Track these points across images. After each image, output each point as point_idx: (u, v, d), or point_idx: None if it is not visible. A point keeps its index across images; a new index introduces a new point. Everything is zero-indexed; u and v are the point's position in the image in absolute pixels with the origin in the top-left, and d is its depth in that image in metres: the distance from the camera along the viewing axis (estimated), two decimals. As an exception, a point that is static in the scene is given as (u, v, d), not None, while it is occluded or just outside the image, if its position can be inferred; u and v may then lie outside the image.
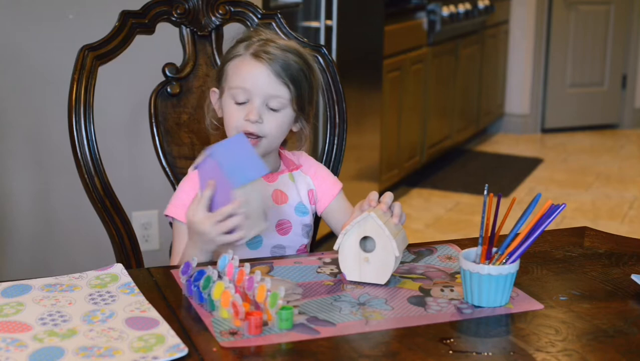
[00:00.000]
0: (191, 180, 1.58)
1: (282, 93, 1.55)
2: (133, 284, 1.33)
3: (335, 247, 1.39)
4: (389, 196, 1.45)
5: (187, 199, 1.54)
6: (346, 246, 1.38)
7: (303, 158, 1.69)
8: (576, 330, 1.22)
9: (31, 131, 2.68)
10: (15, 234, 2.71)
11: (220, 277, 1.30)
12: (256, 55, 1.54)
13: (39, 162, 2.72)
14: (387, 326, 1.23)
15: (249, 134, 1.54)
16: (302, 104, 1.59)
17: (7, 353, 1.09)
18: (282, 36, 1.82)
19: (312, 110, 1.63)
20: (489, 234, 1.31)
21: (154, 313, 1.22)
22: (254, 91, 1.54)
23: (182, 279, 1.32)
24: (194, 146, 1.79)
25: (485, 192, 1.29)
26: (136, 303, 1.26)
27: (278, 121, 1.56)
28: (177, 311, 1.26)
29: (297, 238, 1.63)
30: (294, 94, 1.56)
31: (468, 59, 5.26)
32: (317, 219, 1.73)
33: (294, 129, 1.63)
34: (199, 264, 1.38)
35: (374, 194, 1.45)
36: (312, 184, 1.66)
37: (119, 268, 1.38)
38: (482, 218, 1.31)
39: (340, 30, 3.53)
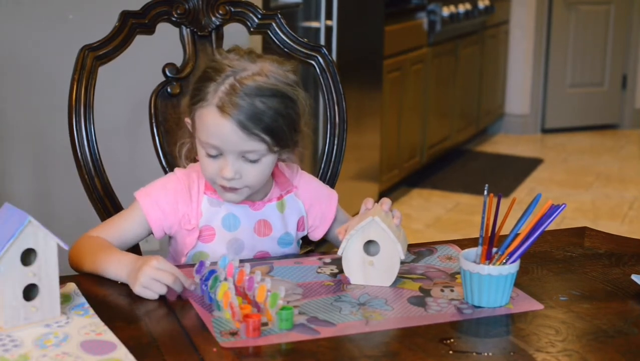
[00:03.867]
0: (175, 182, 1.52)
1: (255, 147, 1.41)
2: (87, 305, 1.26)
3: (339, 253, 1.39)
4: (387, 201, 1.45)
5: (163, 199, 1.50)
6: (350, 251, 1.38)
7: (298, 177, 1.59)
8: (576, 330, 1.22)
9: (31, 131, 2.68)
10: (15, 234, 2.71)
11: (227, 278, 1.30)
12: (222, 109, 1.39)
13: (39, 162, 2.72)
14: (387, 327, 1.23)
15: (228, 189, 1.45)
16: (284, 143, 1.44)
17: None
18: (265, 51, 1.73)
19: (298, 136, 1.49)
20: (489, 235, 1.31)
21: (110, 336, 1.16)
22: (225, 148, 1.41)
23: (195, 278, 1.33)
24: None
25: (485, 192, 1.29)
26: (91, 325, 1.20)
27: (257, 170, 1.44)
28: (177, 311, 1.26)
29: None
30: (271, 142, 1.41)
31: (468, 59, 5.26)
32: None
33: (281, 158, 1.52)
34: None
35: (370, 201, 1.45)
36: (303, 210, 1.57)
37: (71, 288, 1.32)
38: (482, 218, 1.31)
39: (340, 30, 3.53)
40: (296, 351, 1.15)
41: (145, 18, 1.74)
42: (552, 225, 1.33)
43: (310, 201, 1.59)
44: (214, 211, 1.51)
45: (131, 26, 1.73)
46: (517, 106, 6.09)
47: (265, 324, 1.21)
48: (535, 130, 6.14)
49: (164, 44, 2.03)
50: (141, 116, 1.90)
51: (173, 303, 1.29)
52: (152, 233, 1.53)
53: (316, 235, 1.62)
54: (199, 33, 1.79)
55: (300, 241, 1.64)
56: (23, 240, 1.17)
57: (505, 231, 1.35)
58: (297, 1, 3.36)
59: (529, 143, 5.87)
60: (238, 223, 1.52)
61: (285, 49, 1.84)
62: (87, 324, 1.20)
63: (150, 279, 1.29)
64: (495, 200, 1.31)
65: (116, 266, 1.37)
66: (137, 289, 1.30)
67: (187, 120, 1.51)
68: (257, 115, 1.39)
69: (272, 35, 1.84)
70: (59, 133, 2.38)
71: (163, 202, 1.50)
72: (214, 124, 1.41)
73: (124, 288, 1.35)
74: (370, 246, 1.38)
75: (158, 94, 1.77)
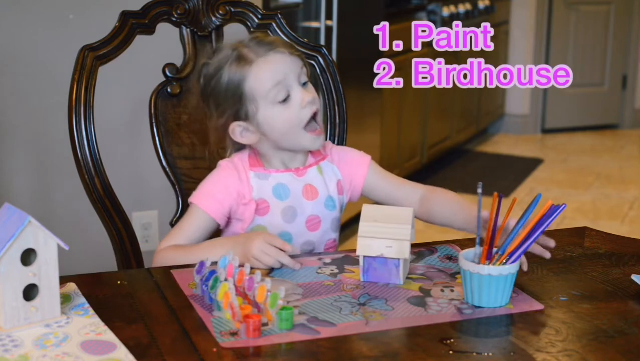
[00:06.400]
0: (220, 171, 1.59)
1: (301, 64, 1.58)
2: (87, 305, 1.26)
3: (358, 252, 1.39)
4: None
5: (213, 189, 1.56)
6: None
7: (328, 147, 1.68)
8: (576, 330, 1.22)
9: (31, 131, 2.68)
10: (15, 234, 2.71)
11: (227, 278, 1.30)
12: (263, 55, 1.55)
13: (39, 162, 2.72)
14: (387, 327, 1.23)
15: (314, 117, 1.56)
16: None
17: None
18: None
19: None
20: (489, 235, 1.31)
21: (110, 336, 1.16)
22: (288, 78, 1.55)
23: (195, 279, 1.33)
24: (194, 147, 1.79)
25: (479, 190, 1.30)
26: (91, 325, 1.20)
27: (313, 89, 1.59)
28: (177, 311, 1.26)
29: (326, 233, 1.62)
30: (304, 59, 1.61)
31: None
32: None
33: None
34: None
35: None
36: (339, 174, 1.65)
37: (71, 288, 1.32)
38: (478, 215, 1.31)
39: (340, 30, 3.53)
40: (296, 351, 1.15)
41: (145, 18, 1.74)
42: (552, 225, 1.33)
43: (341, 164, 1.66)
44: (262, 183, 1.58)
45: (131, 26, 1.73)
46: (517, 106, 6.09)
47: (266, 324, 1.21)
48: (535, 130, 6.14)
49: (164, 44, 2.03)
50: (141, 116, 1.91)
51: (173, 303, 1.29)
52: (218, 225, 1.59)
53: (355, 193, 1.68)
54: (199, 33, 1.79)
55: (344, 206, 1.68)
56: (23, 240, 1.18)
57: (505, 231, 1.35)
58: (297, 1, 3.36)
59: (529, 143, 5.87)
60: (288, 191, 1.59)
61: (285, 49, 1.84)
62: (87, 324, 1.20)
63: (260, 251, 1.42)
64: (496, 200, 1.31)
65: (220, 248, 1.46)
66: (255, 256, 1.42)
67: (237, 123, 1.58)
68: (284, 43, 1.60)
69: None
70: (59, 133, 2.38)
71: (215, 192, 1.57)
72: (271, 65, 1.55)
73: (124, 288, 1.35)
74: None
75: (158, 94, 1.77)
